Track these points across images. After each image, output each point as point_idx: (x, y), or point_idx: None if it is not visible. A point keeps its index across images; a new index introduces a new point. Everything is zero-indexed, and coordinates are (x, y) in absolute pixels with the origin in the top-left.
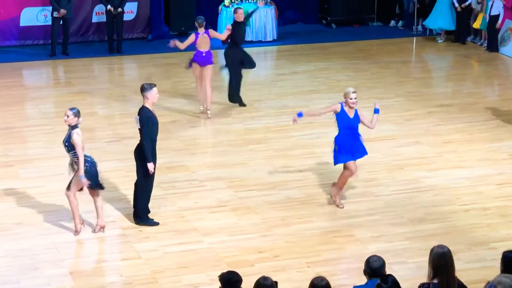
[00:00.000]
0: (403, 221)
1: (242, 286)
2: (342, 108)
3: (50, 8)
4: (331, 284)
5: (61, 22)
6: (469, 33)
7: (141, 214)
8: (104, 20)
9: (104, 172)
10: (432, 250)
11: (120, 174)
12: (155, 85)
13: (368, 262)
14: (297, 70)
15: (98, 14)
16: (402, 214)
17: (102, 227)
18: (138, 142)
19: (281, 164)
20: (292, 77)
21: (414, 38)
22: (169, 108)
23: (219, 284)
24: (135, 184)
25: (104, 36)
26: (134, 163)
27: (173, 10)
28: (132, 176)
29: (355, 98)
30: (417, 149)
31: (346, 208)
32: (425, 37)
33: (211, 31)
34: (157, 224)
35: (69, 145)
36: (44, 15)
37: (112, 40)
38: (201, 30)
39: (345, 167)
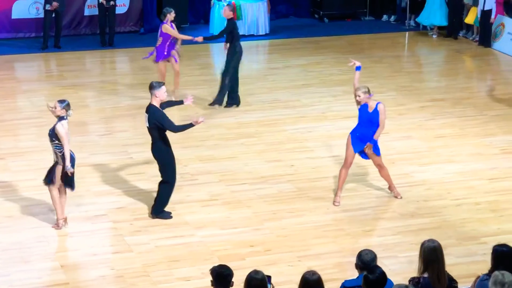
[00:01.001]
0: (394, 215)
1: (233, 279)
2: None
3: (42, 1)
4: (323, 278)
5: (53, 15)
6: (461, 28)
7: (161, 209)
8: (96, 13)
9: (96, 165)
10: (422, 244)
11: (111, 168)
12: (163, 84)
13: (359, 255)
14: (289, 64)
15: (90, 7)
16: (394, 208)
17: (64, 219)
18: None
19: (273, 158)
20: (284, 71)
21: (407, 32)
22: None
23: (210, 278)
24: (161, 182)
25: (96, 29)
26: (127, 156)
27: (165, 3)
28: (122, 169)
29: (359, 96)
30: (409, 144)
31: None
32: (417, 32)
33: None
34: (171, 217)
35: (52, 135)
36: (36, 8)
37: (104, 33)
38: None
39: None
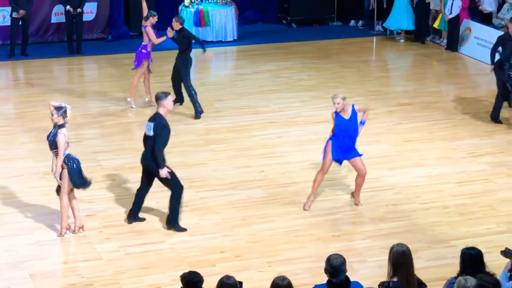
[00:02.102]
0: (363, 220)
1: (204, 286)
2: (336, 112)
3: (9, 8)
4: (293, 283)
5: (20, 23)
6: (429, 32)
7: (176, 218)
8: (64, 20)
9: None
10: (391, 248)
11: None
12: (169, 94)
13: (328, 260)
14: (257, 70)
15: (57, 15)
16: (363, 213)
17: (81, 227)
18: (143, 150)
19: (242, 164)
20: (253, 77)
21: (374, 37)
22: (130, 108)
23: (180, 285)
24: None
25: (64, 36)
26: (96, 164)
27: (133, 10)
28: (93, 177)
29: (338, 103)
30: (378, 148)
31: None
32: (385, 37)
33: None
34: (185, 230)
35: (53, 143)
36: (3, 16)
37: (72, 40)
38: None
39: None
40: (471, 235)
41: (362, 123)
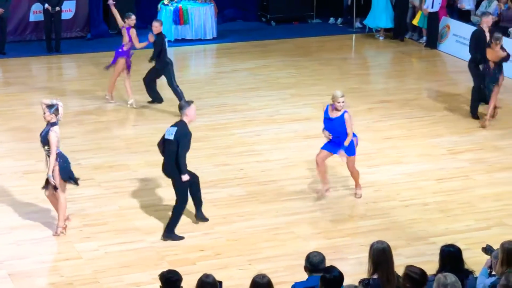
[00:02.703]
0: (343, 217)
1: (183, 284)
2: (326, 109)
3: None
4: (273, 281)
5: None
6: (407, 29)
7: (173, 229)
8: (42, 19)
9: (44, 172)
10: (372, 245)
11: None
12: (192, 102)
13: (308, 257)
14: (237, 67)
15: (36, 13)
16: (343, 210)
17: (64, 228)
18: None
19: (222, 162)
20: (232, 75)
21: (353, 35)
22: (109, 107)
23: (160, 284)
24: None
25: (42, 35)
26: (75, 163)
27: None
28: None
29: (343, 102)
30: (358, 146)
31: (287, 205)
32: (364, 34)
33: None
34: (182, 238)
35: (45, 141)
36: None
37: (50, 39)
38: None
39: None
40: (450, 232)
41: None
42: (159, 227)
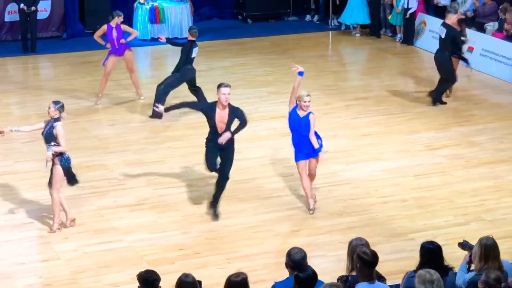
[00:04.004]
0: (322, 214)
1: (163, 284)
2: (294, 108)
3: None
4: (252, 279)
5: None
6: (381, 26)
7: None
8: (17, 19)
9: (22, 172)
10: (350, 242)
11: (37, 175)
12: (226, 86)
13: (289, 254)
14: (214, 66)
15: (11, 13)
16: (322, 207)
17: (73, 220)
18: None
19: (200, 160)
20: (209, 73)
21: (330, 32)
22: (86, 107)
23: (138, 284)
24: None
25: (18, 35)
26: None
27: (88, 8)
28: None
29: (309, 102)
30: (335, 143)
31: (265, 203)
32: (340, 31)
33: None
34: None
35: (50, 137)
36: None
37: (26, 39)
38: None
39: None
40: (429, 228)
41: (301, 74)
42: (138, 226)
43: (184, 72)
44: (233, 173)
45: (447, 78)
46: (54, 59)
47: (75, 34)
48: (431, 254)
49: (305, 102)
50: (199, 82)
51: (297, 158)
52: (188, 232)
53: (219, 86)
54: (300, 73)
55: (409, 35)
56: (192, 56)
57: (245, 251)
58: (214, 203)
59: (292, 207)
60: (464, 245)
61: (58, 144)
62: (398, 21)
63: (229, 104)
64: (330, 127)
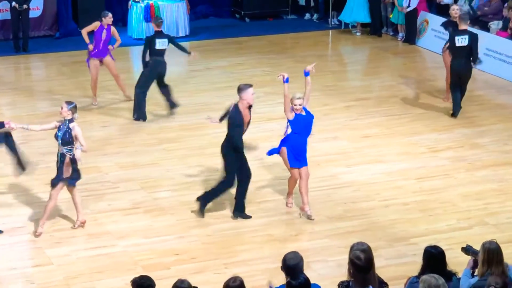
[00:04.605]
0: (322, 218)
1: None
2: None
3: None
4: (250, 285)
5: None
6: (382, 25)
7: (242, 207)
8: (9, 17)
9: (11, 176)
10: (352, 247)
11: (28, 178)
12: (251, 86)
13: (284, 259)
14: (210, 66)
15: (2, 11)
16: (321, 211)
17: (83, 222)
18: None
19: (196, 163)
20: (206, 73)
21: (330, 31)
22: (79, 107)
23: None
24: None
25: (9, 34)
26: (44, 165)
27: (81, 7)
28: (40, 180)
29: (300, 105)
30: (335, 145)
31: (263, 206)
32: (340, 30)
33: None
34: (250, 217)
35: (68, 140)
36: None
37: (18, 38)
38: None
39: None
40: (431, 232)
41: (287, 81)
42: (132, 231)
43: (153, 66)
44: None
45: (465, 89)
46: (47, 58)
47: (68, 33)
48: (434, 259)
49: (295, 105)
50: (194, 82)
51: (292, 164)
52: (184, 236)
53: (247, 87)
54: (286, 80)
55: (411, 34)
56: (157, 48)
57: (242, 256)
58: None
59: (290, 211)
60: (467, 249)
61: (81, 144)
62: (400, 20)
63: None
64: (330, 129)
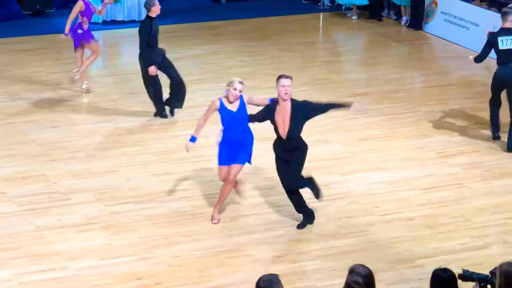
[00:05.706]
0: (311, 236)
1: None
2: (221, 102)
3: None
4: None
5: None
6: (383, 7)
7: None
8: None
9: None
10: (351, 270)
11: None
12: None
13: (257, 283)
14: (180, 55)
15: None
16: (310, 228)
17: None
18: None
19: (162, 170)
20: (175, 64)
21: (321, 14)
22: (24, 104)
23: None
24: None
25: None
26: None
27: None
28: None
29: (240, 91)
30: (327, 149)
31: (241, 222)
32: (333, 13)
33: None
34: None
35: None
36: None
37: None
38: None
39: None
40: (441, 252)
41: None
42: (86, 251)
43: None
44: (202, 186)
45: None
46: None
47: (11, 16)
48: (443, 284)
49: (235, 89)
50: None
51: (220, 162)
52: (147, 257)
53: (279, 77)
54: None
55: (417, 17)
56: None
57: (217, 281)
58: (301, 225)
59: (274, 228)
60: (464, 276)
61: None
62: (403, 1)
63: (291, 99)
64: (321, 130)
